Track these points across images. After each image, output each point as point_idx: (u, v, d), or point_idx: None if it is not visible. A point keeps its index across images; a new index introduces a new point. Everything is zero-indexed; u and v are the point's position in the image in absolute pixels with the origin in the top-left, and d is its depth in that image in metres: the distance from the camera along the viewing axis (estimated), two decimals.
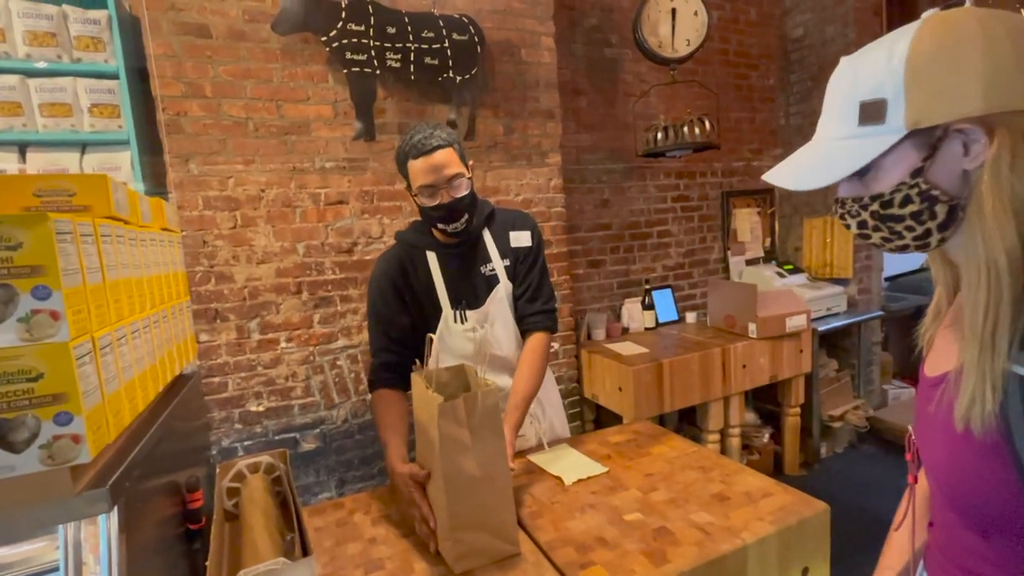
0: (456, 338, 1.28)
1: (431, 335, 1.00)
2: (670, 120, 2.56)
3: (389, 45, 1.87)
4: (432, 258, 1.27)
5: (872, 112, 0.50)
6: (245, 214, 1.79)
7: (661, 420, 2.54)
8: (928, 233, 0.53)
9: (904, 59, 0.48)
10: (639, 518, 1.04)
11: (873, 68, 0.50)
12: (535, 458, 1.32)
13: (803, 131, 3.19)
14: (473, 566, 0.90)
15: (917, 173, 0.51)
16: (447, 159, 1.14)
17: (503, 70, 2.17)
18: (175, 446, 0.93)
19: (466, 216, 1.20)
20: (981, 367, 0.47)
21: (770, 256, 3.30)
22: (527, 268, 1.33)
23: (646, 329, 2.76)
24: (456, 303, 1.27)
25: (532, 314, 1.33)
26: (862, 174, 0.53)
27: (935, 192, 0.51)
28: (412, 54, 1.91)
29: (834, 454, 2.92)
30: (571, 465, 1.27)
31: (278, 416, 1.88)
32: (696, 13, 2.45)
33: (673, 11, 2.42)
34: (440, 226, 1.21)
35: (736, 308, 2.54)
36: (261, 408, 1.85)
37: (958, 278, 0.59)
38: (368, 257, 1.98)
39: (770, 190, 3.32)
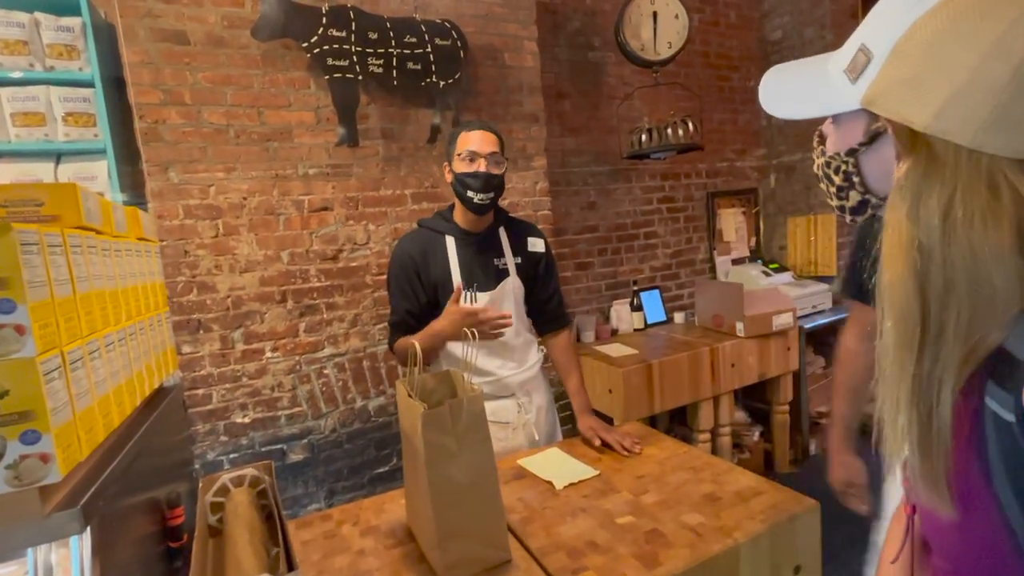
0: None
1: (416, 343, 0.98)
2: (654, 122, 2.58)
3: (371, 51, 1.86)
4: (450, 242, 1.39)
5: (858, 63, 0.43)
6: (227, 222, 1.77)
7: (651, 421, 2.54)
8: (843, 209, 0.53)
9: (909, 25, 0.39)
10: (631, 521, 1.03)
11: (889, 16, 0.41)
12: (525, 463, 1.31)
13: (784, 132, 3.23)
14: (464, 575, 0.89)
15: (851, 152, 0.49)
16: (495, 141, 1.34)
17: (486, 74, 2.17)
18: (154, 461, 0.90)
19: (493, 194, 1.33)
20: (897, 425, 0.41)
21: (755, 255, 3.33)
22: (548, 274, 1.50)
23: (635, 330, 2.77)
24: (468, 285, 1.36)
25: (559, 315, 1.52)
26: (835, 121, 0.52)
27: (855, 178, 0.49)
28: (395, 59, 1.90)
29: (822, 450, 2.94)
30: (562, 469, 1.26)
31: (264, 427, 1.84)
32: (677, 16, 2.48)
33: (654, 14, 2.44)
34: (469, 194, 1.32)
35: (723, 307, 2.56)
36: (247, 419, 1.82)
37: None
38: (354, 264, 1.96)
39: (754, 190, 3.35)
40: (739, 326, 2.47)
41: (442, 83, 2.00)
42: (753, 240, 3.35)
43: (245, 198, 1.79)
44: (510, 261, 1.43)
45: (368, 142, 1.95)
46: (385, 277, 2.01)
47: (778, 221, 3.35)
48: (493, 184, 1.32)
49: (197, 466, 1.72)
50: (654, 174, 2.96)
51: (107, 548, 0.62)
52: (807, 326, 2.72)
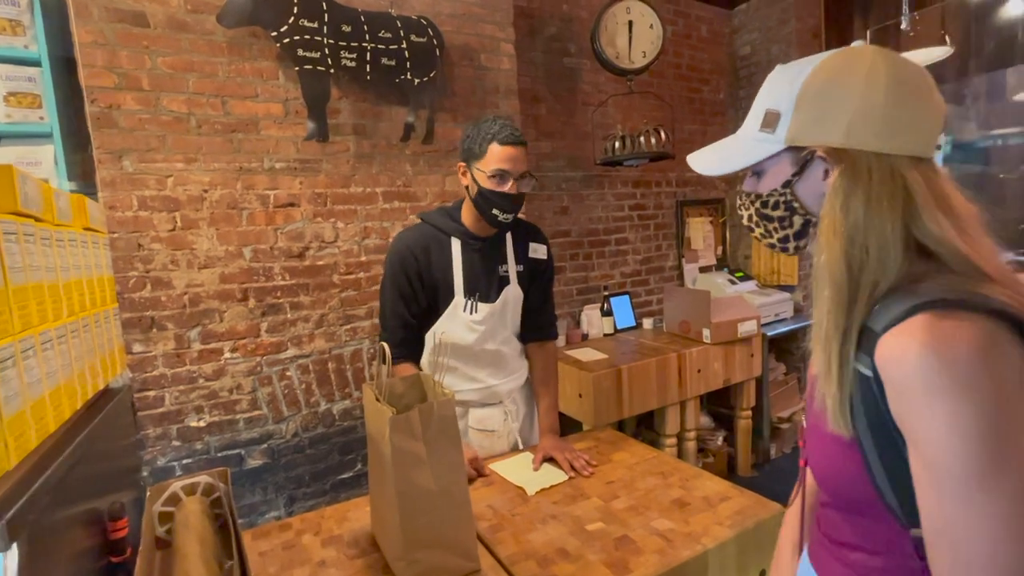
0: (459, 327, 1.31)
1: (384, 344, 0.95)
2: (627, 130, 2.61)
3: (344, 44, 1.81)
4: (456, 245, 1.32)
5: (770, 120, 0.58)
6: (186, 216, 1.68)
7: (620, 426, 2.56)
8: (787, 239, 0.62)
9: (801, 83, 0.55)
10: (601, 527, 1.02)
11: (781, 85, 0.57)
12: (497, 467, 1.29)
13: None
14: None
15: (787, 184, 0.59)
16: (526, 157, 1.24)
17: (462, 75, 2.14)
18: (96, 469, 0.84)
19: (517, 211, 1.27)
20: (828, 368, 0.53)
21: (722, 264, 3.41)
22: (546, 282, 1.45)
23: (605, 335, 2.78)
24: (470, 293, 1.31)
25: (548, 326, 1.47)
26: (758, 175, 0.62)
27: (795, 204, 0.59)
28: (368, 54, 1.86)
29: (783, 454, 3.03)
30: (533, 474, 1.24)
31: (221, 431, 1.76)
32: (652, 26, 2.52)
33: (630, 23, 2.48)
34: (494, 212, 1.24)
35: (691, 314, 2.60)
36: (202, 423, 1.73)
37: None
38: (321, 262, 1.90)
39: (721, 200, 3.43)
40: (706, 332, 2.52)
41: (417, 81, 1.97)
42: (720, 249, 3.43)
43: (206, 191, 1.71)
44: (512, 269, 1.37)
45: (339, 138, 1.90)
46: (354, 277, 1.96)
47: (743, 231, 3.44)
48: (521, 203, 1.26)
49: (146, 473, 1.63)
50: (626, 181, 2.99)
51: (37, 565, 0.57)
52: (770, 333, 2.80)
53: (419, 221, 1.39)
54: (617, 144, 2.55)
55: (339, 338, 1.95)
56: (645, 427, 2.70)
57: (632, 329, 2.90)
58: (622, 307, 2.90)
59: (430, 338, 1.35)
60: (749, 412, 2.76)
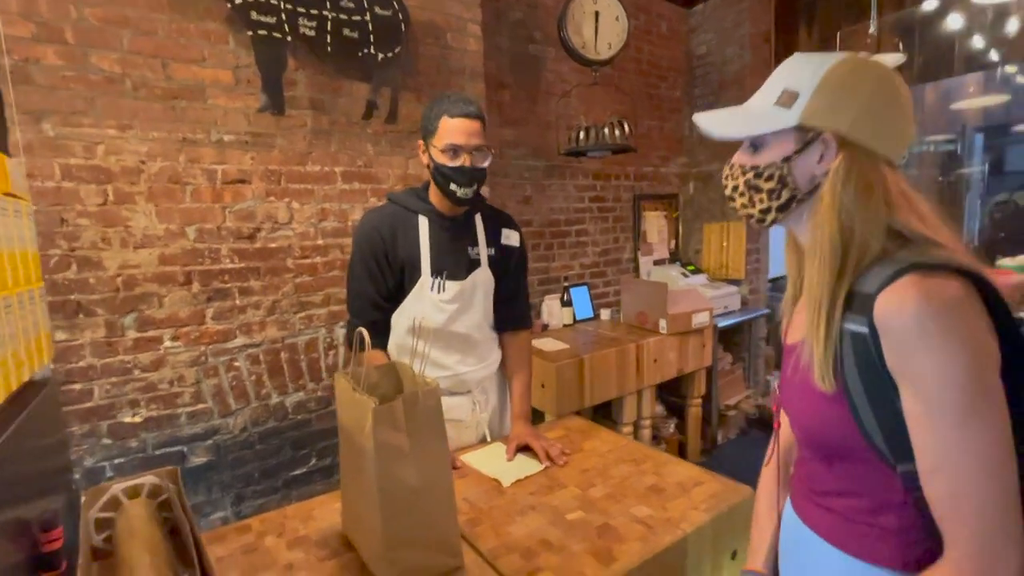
0: (427, 307, 1.27)
1: (362, 329, 0.89)
2: (590, 121, 2.62)
3: (303, 10, 1.68)
4: (423, 224, 1.29)
5: (787, 98, 0.63)
6: (119, 189, 1.51)
7: (578, 415, 2.58)
8: (768, 210, 0.67)
9: (824, 72, 0.61)
10: (581, 516, 1.01)
11: (803, 69, 0.63)
12: (469, 458, 1.25)
13: (705, 142, 3.44)
14: None
15: (787, 159, 0.64)
16: (480, 130, 1.22)
17: (428, 53, 2.06)
18: (23, 471, 0.73)
19: (476, 186, 1.25)
20: (817, 328, 0.61)
21: (675, 257, 3.51)
22: (519, 270, 1.43)
23: (564, 326, 2.80)
24: (437, 272, 1.28)
25: (523, 314, 1.45)
26: (756, 148, 0.67)
27: (789, 179, 0.64)
28: (329, 23, 1.74)
29: (728, 440, 3.18)
30: (506, 465, 1.22)
31: (160, 427, 1.61)
32: (617, 18, 2.53)
33: (596, 14, 2.47)
34: (452, 187, 1.22)
35: (648, 305, 2.66)
36: (137, 419, 1.57)
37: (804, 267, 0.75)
38: (273, 245, 1.77)
39: (675, 195, 3.53)
40: (662, 323, 2.58)
41: (380, 56, 1.87)
42: (673, 243, 3.53)
43: (143, 162, 1.54)
44: (483, 252, 1.34)
45: (295, 112, 1.77)
46: (309, 262, 1.85)
47: (695, 226, 3.56)
48: (479, 176, 1.23)
49: (76, 475, 1.46)
50: (587, 173, 3.01)
51: None
52: (720, 325, 2.92)
53: (385, 202, 1.35)
54: (582, 135, 2.55)
55: (293, 326, 1.83)
56: (602, 416, 2.74)
57: (590, 320, 2.94)
58: (581, 298, 2.92)
59: (398, 324, 1.30)
60: (699, 400, 2.87)
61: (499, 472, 1.18)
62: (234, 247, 1.70)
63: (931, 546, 0.58)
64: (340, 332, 1.92)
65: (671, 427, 2.91)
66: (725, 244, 3.38)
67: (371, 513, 0.81)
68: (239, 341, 1.73)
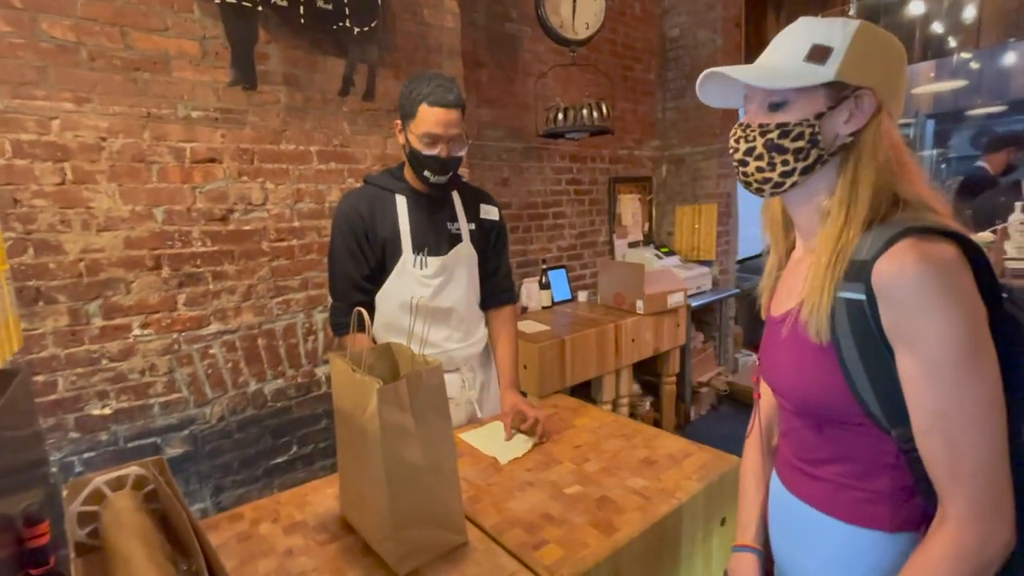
0: (411, 284, 1.27)
1: (360, 309, 0.87)
2: (567, 103, 2.60)
3: None
4: (401, 202, 1.29)
5: (819, 53, 0.61)
6: (79, 167, 1.41)
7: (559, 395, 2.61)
8: (791, 172, 0.64)
9: (856, 28, 0.61)
10: (579, 490, 1.03)
11: (830, 26, 0.62)
12: (466, 437, 1.25)
13: (677, 125, 3.48)
14: (419, 564, 0.81)
15: (819, 116, 0.62)
16: (458, 119, 1.19)
17: (405, 29, 1.99)
18: (2, 464, 0.68)
19: (450, 173, 1.25)
20: (822, 284, 0.61)
21: (648, 239, 3.57)
22: (501, 245, 1.44)
23: (543, 308, 2.81)
24: (418, 249, 1.27)
25: (506, 289, 1.46)
26: (777, 106, 0.64)
27: (819, 138, 0.62)
28: None
29: (700, 416, 3.29)
30: (503, 443, 1.22)
31: (131, 418, 1.54)
32: None
33: None
34: (426, 174, 1.22)
35: (625, 287, 2.70)
36: (107, 411, 1.50)
37: (794, 243, 0.76)
38: (248, 227, 1.70)
39: (649, 178, 3.58)
40: (639, 304, 2.63)
41: (356, 30, 1.80)
42: (647, 225, 3.59)
43: (104, 138, 1.44)
44: (464, 227, 1.34)
45: (267, 87, 1.69)
46: (286, 244, 1.78)
47: (667, 209, 3.62)
48: (453, 164, 1.23)
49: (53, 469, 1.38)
50: (564, 155, 3.00)
51: None
52: (693, 304, 3.00)
53: (362, 184, 1.34)
54: (560, 116, 2.54)
55: (270, 311, 1.77)
56: (581, 396, 2.79)
57: (568, 302, 2.96)
58: (559, 280, 2.94)
59: (385, 303, 1.29)
60: (674, 378, 2.96)
61: (496, 450, 1.19)
62: (206, 229, 1.62)
63: (921, 503, 0.61)
64: (320, 317, 1.87)
65: (647, 405, 2.99)
66: (697, 226, 3.46)
67: (376, 494, 0.80)
68: (214, 328, 1.66)
